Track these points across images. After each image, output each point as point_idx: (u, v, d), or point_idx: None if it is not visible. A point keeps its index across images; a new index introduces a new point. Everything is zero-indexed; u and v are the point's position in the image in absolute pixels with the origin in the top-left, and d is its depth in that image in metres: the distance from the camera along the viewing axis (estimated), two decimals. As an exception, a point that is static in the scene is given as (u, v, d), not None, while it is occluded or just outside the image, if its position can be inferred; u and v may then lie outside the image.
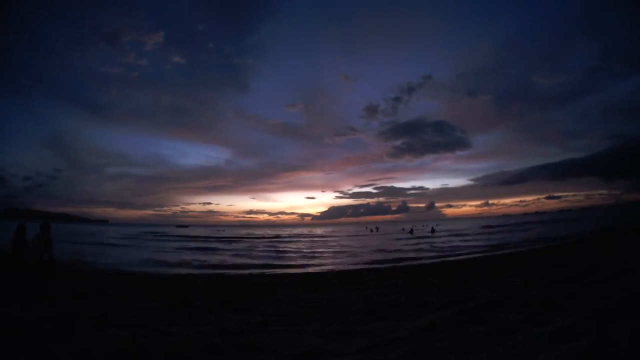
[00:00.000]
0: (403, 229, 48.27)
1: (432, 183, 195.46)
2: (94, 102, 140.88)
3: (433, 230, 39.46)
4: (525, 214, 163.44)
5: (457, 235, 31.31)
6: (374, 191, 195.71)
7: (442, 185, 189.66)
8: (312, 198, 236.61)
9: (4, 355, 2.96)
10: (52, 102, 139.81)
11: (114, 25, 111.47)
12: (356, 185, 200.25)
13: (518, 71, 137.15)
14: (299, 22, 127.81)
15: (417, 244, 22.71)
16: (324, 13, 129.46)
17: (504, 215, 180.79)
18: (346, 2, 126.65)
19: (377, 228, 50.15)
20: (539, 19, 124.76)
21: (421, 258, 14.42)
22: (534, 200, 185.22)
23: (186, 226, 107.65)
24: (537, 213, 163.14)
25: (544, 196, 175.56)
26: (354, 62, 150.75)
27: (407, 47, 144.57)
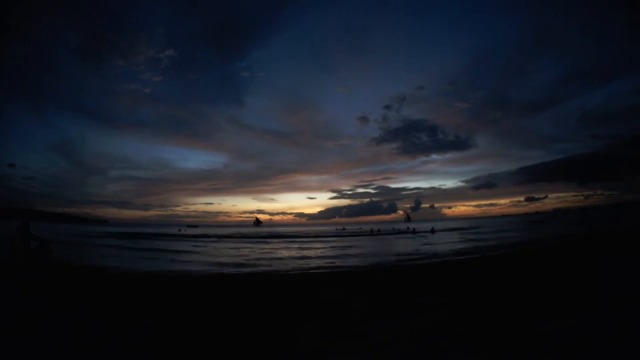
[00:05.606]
0: (377, 226, 51.32)
1: (427, 183, 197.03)
2: (102, 113, 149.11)
3: (433, 231, 39.49)
4: (525, 214, 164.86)
5: (456, 235, 31.34)
6: (371, 191, 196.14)
7: (439, 185, 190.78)
8: (313, 198, 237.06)
9: (9, 355, 3.01)
10: (62, 111, 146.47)
11: (129, 43, 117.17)
12: (352, 187, 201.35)
13: (496, 83, 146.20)
14: (288, 46, 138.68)
15: (417, 243, 22.75)
16: (309, 39, 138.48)
17: (503, 216, 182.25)
18: (326, 31, 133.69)
19: (378, 230, 50.82)
20: (504, 34, 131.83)
21: (421, 258, 14.45)
22: (516, 201, 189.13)
23: (196, 226, 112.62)
24: (537, 213, 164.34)
25: (523, 197, 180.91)
26: (347, 77, 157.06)
27: (398, 61, 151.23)
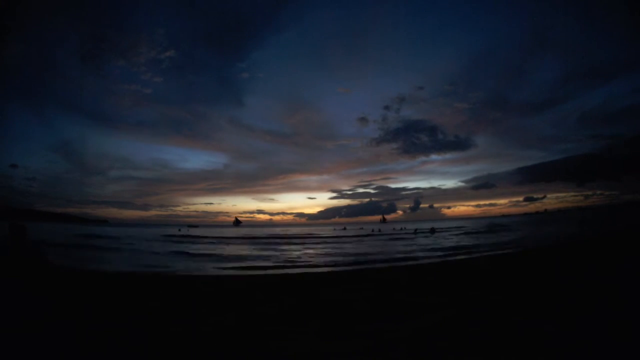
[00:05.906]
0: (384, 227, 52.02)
1: (426, 184, 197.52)
2: (102, 114, 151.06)
3: (433, 231, 39.50)
4: (525, 214, 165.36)
5: (457, 235, 31.35)
6: (371, 191, 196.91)
7: (438, 185, 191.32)
8: (313, 198, 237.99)
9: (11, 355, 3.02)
10: (62, 112, 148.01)
11: (129, 44, 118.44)
12: (352, 187, 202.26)
13: (496, 83, 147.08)
14: (288, 47, 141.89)
15: (418, 243, 22.76)
16: (309, 40, 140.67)
17: (502, 216, 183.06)
18: (325, 31, 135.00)
19: (379, 230, 51.33)
20: (504, 34, 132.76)
21: (421, 258, 14.46)
22: (515, 202, 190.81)
23: (196, 226, 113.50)
24: (537, 213, 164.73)
25: (522, 197, 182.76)
26: (346, 77, 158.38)
27: (398, 61, 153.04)
